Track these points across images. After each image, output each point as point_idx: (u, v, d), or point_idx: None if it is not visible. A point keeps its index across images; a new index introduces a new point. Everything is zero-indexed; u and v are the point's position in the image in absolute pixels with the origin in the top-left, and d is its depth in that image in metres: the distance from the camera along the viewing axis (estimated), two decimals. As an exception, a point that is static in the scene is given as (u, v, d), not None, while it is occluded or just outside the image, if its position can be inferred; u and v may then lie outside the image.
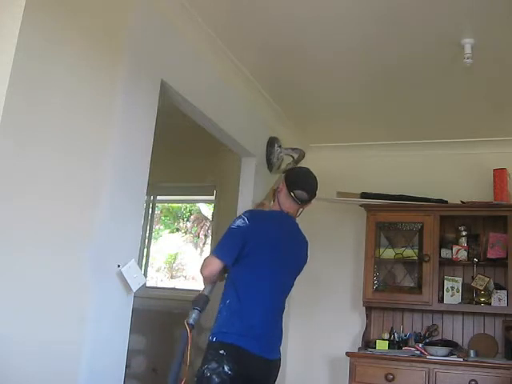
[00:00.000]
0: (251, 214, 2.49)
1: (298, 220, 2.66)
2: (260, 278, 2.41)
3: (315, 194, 2.61)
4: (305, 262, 2.66)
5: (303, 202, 2.57)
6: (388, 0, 2.81)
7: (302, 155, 3.82)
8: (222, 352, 2.25)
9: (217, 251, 2.43)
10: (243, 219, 2.44)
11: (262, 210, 2.69)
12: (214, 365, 2.23)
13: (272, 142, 4.28)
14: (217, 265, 2.40)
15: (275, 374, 2.46)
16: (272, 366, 2.43)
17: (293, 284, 2.60)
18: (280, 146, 4.26)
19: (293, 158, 3.81)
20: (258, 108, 4.07)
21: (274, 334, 2.46)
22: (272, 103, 4.19)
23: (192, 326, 2.34)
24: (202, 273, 2.46)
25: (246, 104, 3.89)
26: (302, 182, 2.59)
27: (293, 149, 4.06)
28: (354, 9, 2.89)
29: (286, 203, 2.57)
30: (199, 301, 2.43)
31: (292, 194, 2.54)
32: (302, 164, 3.54)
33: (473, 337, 4.28)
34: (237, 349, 2.27)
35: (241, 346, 2.28)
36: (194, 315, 2.36)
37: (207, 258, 2.48)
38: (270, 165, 4.28)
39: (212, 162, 5.15)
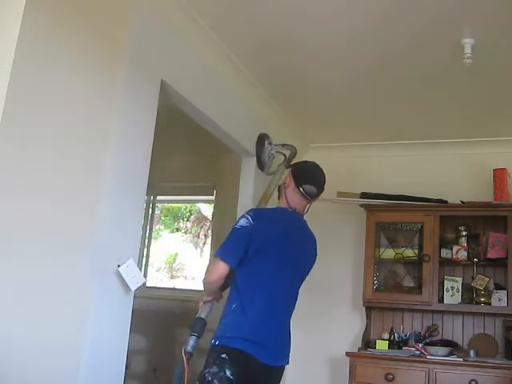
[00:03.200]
0: (255, 213, 2.40)
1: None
2: (266, 282, 2.32)
3: (323, 189, 2.53)
4: (314, 260, 2.58)
5: (312, 197, 2.50)
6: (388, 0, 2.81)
7: (293, 152, 3.55)
8: (223, 356, 2.18)
9: (221, 253, 2.32)
10: (247, 219, 2.34)
11: (266, 208, 2.58)
12: (215, 369, 2.16)
13: (262, 140, 3.92)
14: (223, 268, 2.29)
15: (279, 379, 2.42)
16: (277, 371, 2.39)
17: (300, 285, 2.51)
18: (271, 144, 3.93)
19: (284, 156, 3.55)
20: (258, 108, 4.07)
21: (282, 340, 2.39)
22: (272, 103, 4.19)
23: (190, 354, 2.28)
24: (208, 279, 2.36)
25: (246, 104, 3.89)
26: (310, 176, 2.51)
27: (283, 145, 3.76)
28: (354, 9, 2.89)
29: (294, 199, 2.48)
30: (196, 326, 2.34)
31: (301, 188, 2.46)
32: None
33: (473, 337, 4.27)
34: (240, 353, 2.20)
35: (244, 351, 2.20)
36: (191, 342, 2.30)
37: (211, 262, 2.39)
38: (260, 164, 3.95)
39: (212, 162, 5.15)
